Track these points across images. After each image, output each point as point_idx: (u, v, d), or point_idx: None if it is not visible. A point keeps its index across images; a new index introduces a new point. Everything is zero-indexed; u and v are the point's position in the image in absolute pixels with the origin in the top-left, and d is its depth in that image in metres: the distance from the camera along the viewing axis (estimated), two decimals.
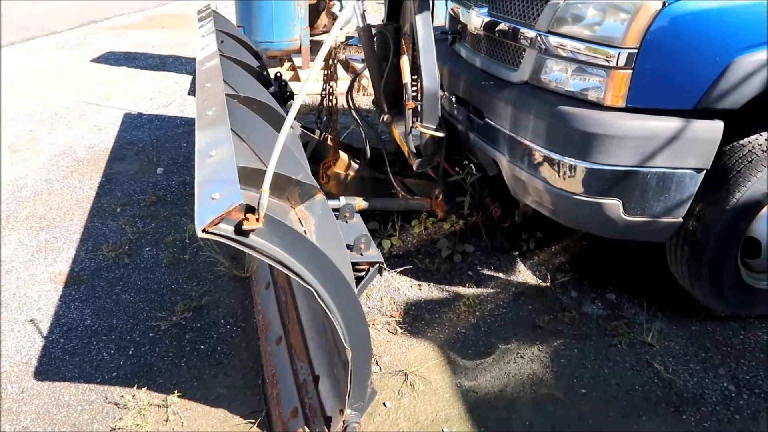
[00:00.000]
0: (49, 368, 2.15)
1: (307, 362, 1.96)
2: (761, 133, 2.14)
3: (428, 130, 2.40)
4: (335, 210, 1.89)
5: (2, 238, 2.99)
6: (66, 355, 2.22)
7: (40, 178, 3.65)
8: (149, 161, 3.88)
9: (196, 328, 2.35)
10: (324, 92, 3.20)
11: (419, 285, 2.65)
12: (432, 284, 2.65)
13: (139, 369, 2.15)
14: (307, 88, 1.52)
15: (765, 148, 2.12)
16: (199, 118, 1.81)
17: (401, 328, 2.38)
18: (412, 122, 2.44)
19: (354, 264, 1.73)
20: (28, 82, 5.57)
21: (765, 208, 2.23)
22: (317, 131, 3.15)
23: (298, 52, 5.53)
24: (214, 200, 1.32)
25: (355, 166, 3.02)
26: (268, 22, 5.12)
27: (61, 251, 2.87)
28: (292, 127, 1.59)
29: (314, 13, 6.40)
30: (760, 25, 1.88)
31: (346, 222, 1.95)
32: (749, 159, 2.12)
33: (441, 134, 2.44)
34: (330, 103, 3.17)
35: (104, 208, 3.27)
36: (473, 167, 2.65)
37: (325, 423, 1.74)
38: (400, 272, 2.70)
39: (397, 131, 2.69)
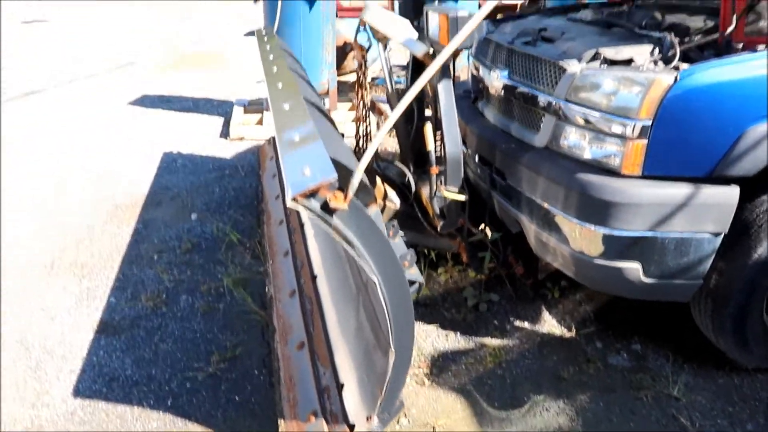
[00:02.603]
0: (92, 418, 2.26)
1: (331, 369, 2.01)
2: None
3: (451, 193, 2.50)
4: None
5: (47, 284, 3.15)
6: (109, 405, 2.33)
7: (82, 224, 3.82)
8: (183, 206, 4.03)
9: (231, 379, 2.45)
10: (357, 131, 3.37)
11: (446, 335, 2.71)
12: (458, 334, 2.71)
13: (177, 420, 2.25)
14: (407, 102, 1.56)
15: None
16: (277, 111, 1.90)
17: (429, 379, 2.44)
18: (436, 185, 2.53)
19: None
20: (68, 127, 5.84)
21: None
22: None
23: (326, 94, 5.70)
24: (305, 174, 1.36)
25: (392, 197, 3.12)
26: None
27: (103, 299, 3.01)
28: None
29: (341, 55, 6.60)
30: None
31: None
32: None
33: (464, 197, 2.53)
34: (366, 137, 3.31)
35: (142, 255, 3.42)
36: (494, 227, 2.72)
37: (348, 429, 1.78)
38: (428, 322, 2.77)
39: (423, 191, 2.79)
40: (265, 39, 3.30)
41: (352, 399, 1.88)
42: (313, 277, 2.49)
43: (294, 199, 1.33)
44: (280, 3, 5.03)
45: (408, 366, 1.67)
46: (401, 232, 2.52)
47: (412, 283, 1.82)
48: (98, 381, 2.45)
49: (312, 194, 1.34)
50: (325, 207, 1.38)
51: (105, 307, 2.94)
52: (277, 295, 2.59)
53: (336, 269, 2.37)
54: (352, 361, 1.99)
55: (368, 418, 1.75)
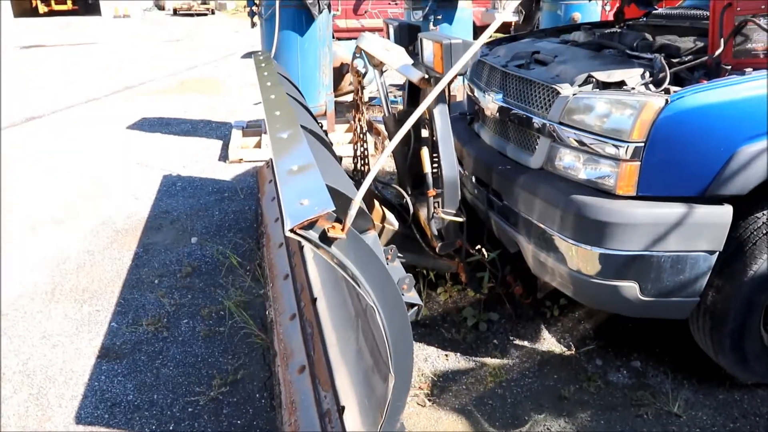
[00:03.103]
0: None
1: (332, 392, 2.01)
2: None
3: (449, 215, 2.53)
4: None
5: (48, 311, 3.16)
6: (111, 431, 2.33)
7: (82, 249, 3.84)
8: (183, 230, 4.06)
9: (233, 403, 2.45)
10: (355, 153, 3.41)
11: (446, 355, 2.72)
12: (459, 354, 2.72)
13: None
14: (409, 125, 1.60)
15: None
16: (274, 140, 1.94)
17: (430, 400, 2.45)
18: (434, 208, 2.57)
19: None
20: (69, 151, 5.89)
21: None
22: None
23: (324, 116, 5.76)
24: (303, 205, 1.38)
25: (390, 219, 3.14)
26: None
27: (104, 324, 3.02)
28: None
29: (338, 76, 6.68)
30: (762, 115, 1.99)
31: (388, 264, 2.04)
32: (763, 232, 2.19)
33: (461, 219, 2.56)
34: (363, 160, 3.35)
35: (143, 280, 3.44)
36: (492, 247, 2.75)
37: None
38: (428, 342, 2.78)
39: (421, 213, 2.82)
40: (263, 64, 3.36)
41: (353, 422, 1.89)
42: (313, 300, 2.50)
43: (292, 230, 1.36)
44: (277, 27, 5.12)
45: (408, 389, 1.69)
46: (400, 255, 2.55)
47: (411, 306, 1.85)
48: (100, 407, 2.45)
49: (310, 225, 1.38)
50: (323, 237, 1.41)
51: (106, 332, 2.95)
52: (278, 319, 2.60)
53: (335, 292, 2.39)
54: (352, 384, 2.01)
55: None
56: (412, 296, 1.87)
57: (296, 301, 2.62)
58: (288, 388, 2.18)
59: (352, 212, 1.43)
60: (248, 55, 12.04)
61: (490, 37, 3.46)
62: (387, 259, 2.04)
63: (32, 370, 2.68)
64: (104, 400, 2.49)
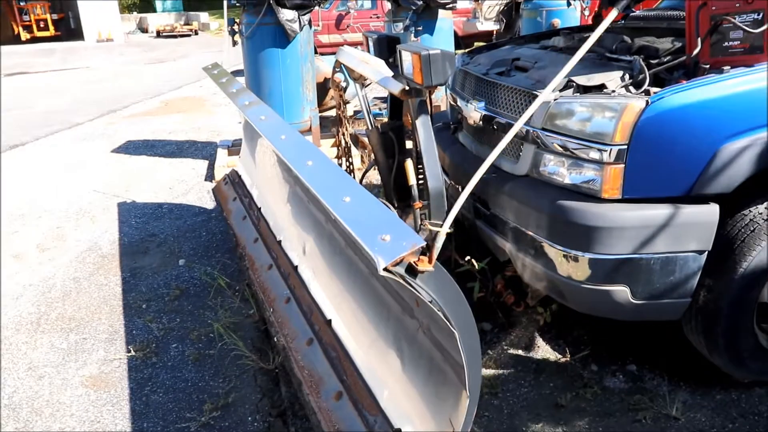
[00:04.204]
0: None
1: (381, 416, 1.92)
2: (760, 204, 2.21)
3: (436, 227, 2.50)
4: None
5: (34, 341, 3.10)
6: None
7: (68, 276, 3.78)
8: (171, 253, 4.01)
9: (225, 428, 2.40)
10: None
11: None
12: None
13: None
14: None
15: (766, 217, 2.18)
16: (301, 168, 1.95)
17: None
18: (421, 220, 2.55)
19: None
20: (53, 177, 5.83)
21: None
22: None
23: (309, 131, 5.74)
24: (386, 241, 1.39)
25: None
26: (278, 106, 5.34)
27: (91, 353, 2.96)
28: None
29: (321, 91, 6.67)
30: (742, 113, 1.99)
31: None
32: (751, 229, 2.18)
33: (449, 230, 2.53)
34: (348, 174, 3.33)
35: (130, 305, 3.38)
36: (480, 256, 2.73)
37: None
38: None
39: (408, 225, 2.80)
40: (224, 80, 3.34)
41: None
42: (328, 322, 2.40)
43: (385, 269, 1.36)
44: (242, 46, 5.09)
45: (476, 403, 1.66)
46: None
47: None
48: None
49: (400, 261, 1.38)
50: (409, 270, 1.42)
51: (93, 360, 2.89)
52: (291, 345, 2.44)
53: (357, 313, 2.28)
54: (409, 405, 1.91)
55: None
56: None
57: (309, 325, 2.49)
58: (327, 416, 2.05)
59: (439, 243, 1.46)
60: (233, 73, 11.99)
61: (473, 46, 3.47)
62: None
63: (18, 404, 2.62)
64: (93, 431, 2.44)
